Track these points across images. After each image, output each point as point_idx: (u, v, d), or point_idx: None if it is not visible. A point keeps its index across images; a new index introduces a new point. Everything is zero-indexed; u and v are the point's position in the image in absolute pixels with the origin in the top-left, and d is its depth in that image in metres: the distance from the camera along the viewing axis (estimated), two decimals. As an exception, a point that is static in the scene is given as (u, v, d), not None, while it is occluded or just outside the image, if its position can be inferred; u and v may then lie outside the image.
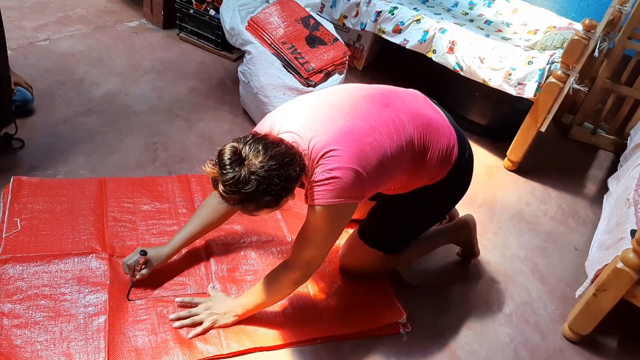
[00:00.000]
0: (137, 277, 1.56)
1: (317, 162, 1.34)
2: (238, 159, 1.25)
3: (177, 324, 1.51)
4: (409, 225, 1.73)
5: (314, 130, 1.36)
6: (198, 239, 1.71)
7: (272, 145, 1.29)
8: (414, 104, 1.54)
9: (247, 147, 1.27)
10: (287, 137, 1.36)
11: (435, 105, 1.62)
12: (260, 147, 1.27)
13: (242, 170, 1.24)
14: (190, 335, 1.49)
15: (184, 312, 1.54)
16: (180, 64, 2.84)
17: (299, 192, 1.37)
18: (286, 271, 1.49)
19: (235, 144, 1.27)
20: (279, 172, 1.26)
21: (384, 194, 1.67)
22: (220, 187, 1.26)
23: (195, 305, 1.56)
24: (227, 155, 1.25)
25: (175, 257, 1.68)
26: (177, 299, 1.57)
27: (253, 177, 1.24)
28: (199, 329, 1.51)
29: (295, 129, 1.37)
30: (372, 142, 1.38)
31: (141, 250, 1.55)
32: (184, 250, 1.72)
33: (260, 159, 1.25)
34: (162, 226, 1.82)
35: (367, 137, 1.38)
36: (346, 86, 1.57)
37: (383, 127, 1.41)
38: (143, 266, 1.57)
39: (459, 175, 1.63)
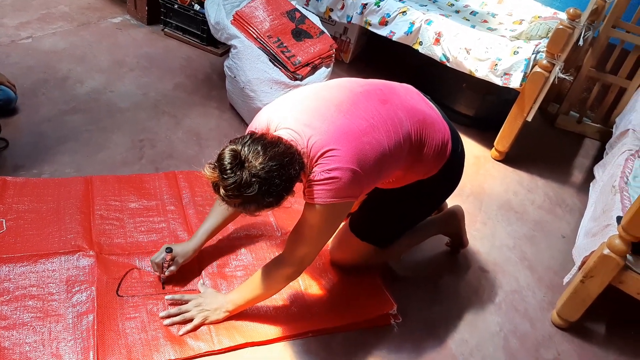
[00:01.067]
0: (166, 273, 1.59)
1: (316, 161, 1.33)
2: (238, 162, 1.23)
3: (167, 321, 1.51)
4: (401, 219, 1.74)
5: (312, 127, 1.35)
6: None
7: (271, 145, 1.27)
8: (410, 100, 1.54)
9: (246, 149, 1.25)
10: (285, 135, 1.34)
11: (429, 101, 1.63)
12: (259, 148, 1.25)
13: (244, 173, 1.22)
14: (181, 333, 1.49)
15: (174, 310, 1.53)
16: (165, 59, 2.82)
17: (297, 188, 1.37)
18: (279, 267, 1.49)
19: (235, 147, 1.25)
20: (279, 173, 1.25)
21: (377, 187, 1.67)
22: (222, 192, 1.24)
23: (186, 302, 1.56)
24: (227, 159, 1.23)
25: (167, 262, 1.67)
26: (167, 297, 1.57)
27: (254, 179, 1.23)
28: (189, 326, 1.50)
29: (293, 125, 1.36)
30: (372, 141, 1.38)
31: (167, 248, 1.57)
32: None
33: (260, 160, 1.24)
34: (150, 223, 1.81)
35: (367, 136, 1.37)
36: (343, 80, 1.56)
37: (382, 124, 1.41)
38: (170, 262, 1.58)
39: (452, 169, 1.64)
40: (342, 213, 1.44)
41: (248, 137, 1.29)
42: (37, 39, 2.70)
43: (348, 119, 1.38)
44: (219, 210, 1.66)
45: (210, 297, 1.57)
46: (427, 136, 1.51)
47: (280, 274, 1.49)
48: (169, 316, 1.52)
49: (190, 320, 1.52)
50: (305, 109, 1.40)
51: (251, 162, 1.24)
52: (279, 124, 1.38)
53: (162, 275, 1.60)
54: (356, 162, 1.34)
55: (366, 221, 1.74)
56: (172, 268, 1.59)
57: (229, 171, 1.22)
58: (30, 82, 2.36)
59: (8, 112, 2.12)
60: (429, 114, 1.55)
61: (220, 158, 1.24)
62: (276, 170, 1.24)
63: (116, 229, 1.75)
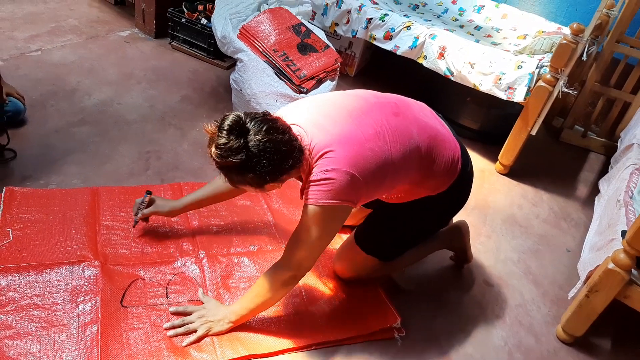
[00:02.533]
0: (139, 215, 1.73)
1: (316, 162, 1.37)
2: (238, 128, 1.27)
3: (171, 332, 1.51)
4: (406, 234, 1.74)
5: (319, 128, 1.39)
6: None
7: (277, 130, 1.31)
8: (423, 117, 1.56)
9: (252, 123, 1.30)
10: (294, 129, 1.38)
11: (441, 119, 1.65)
12: (264, 127, 1.29)
13: (237, 141, 1.27)
14: (184, 344, 1.49)
15: (177, 321, 1.53)
16: (172, 72, 2.85)
17: (293, 186, 1.38)
18: (277, 272, 1.49)
19: (242, 115, 1.30)
20: (271, 157, 1.29)
21: (384, 202, 1.68)
22: (213, 149, 1.29)
23: (189, 313, 1.56)
24: (228, 121, 1.28)
25: (172, 273, 1.68)
26: (170, 309, 1.57)
27: (244, 150, 1.27)
28: (193, 337, 1.50)
29: (303, 123, 1.41)
30: (374, 148, 1.39)
31: (148, 191, 1.76)
32: (178, 263, 1.72)
33: (259, 137, 1.28)
34: (155, 234, 1.82)
35: (370, 142, 1.39)
36: (361, 91, 1.59)
37: (389, 134, 1.43)
38: (145, 205, 1.74)
39: (461, 187, 1.66)
40: (338, 218, 1.44)
41: (261, 114, 1.34)
42: (46, 52, 2.74)
43: (355, 125, 1.41)
44: (211, 185, 1.74)
45: (213, 308, 1.57)
46: (437, 152, 1.52)
47: (279, 280, 1.48)
48: (172, 327, 1.52)
49: (194, 331, 1.52)
50: (318, 111, 1.45)
51: (250, 134, 1.28)
52: (291, 119, 1.42)
53: (135, 217, 1.75)
54: (354, 166, 1.35)
55: (372, 234, 1.74)
56: (145, 210, 1.73)
57: (225, 131, 1.27)
58: (39, 94, 2.39)
59: (17, 123, 2.15)
60: (441, 131, 1.57)
61: (224, 118, 1.29)
62: (269, 153, 1.28)
63: (121, 240, 1.76)
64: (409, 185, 1.55)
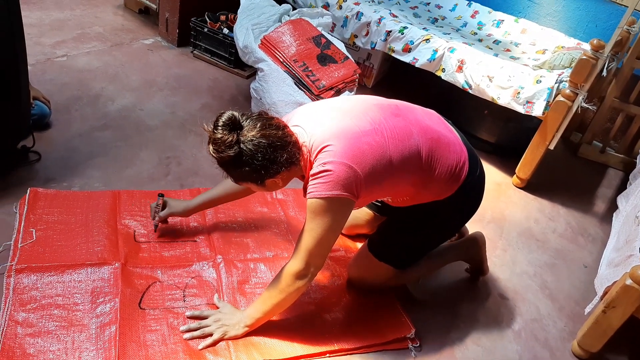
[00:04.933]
0: (157, 218, 1.79)
1: (316, 157, 1.41)
2: (232, 125, 1.35)
3: (187, 335, 1.53)
4: (419, 241, 1.74)
5: (318, 125, 1.45)
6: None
7: (271, 127, 1.38)
8: (426, 120, 1.57)
9: (247, 121, 1.38)
10: (294, 129, 1.46)
11: (450, 125, 1.66)
12: (258, 124, 1.37)
13: (231, 136, 1.34)
14: (200, 347, 1.51)
15: (194, 324, 1.55)
16: (193, 80, 2.90)
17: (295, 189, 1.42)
18: (287, 272, 1.48)
19: (236, 113, 1.37)
20: (265, 151, 1.36)
21: (393, 206, 1.69)
22: (210, 145, 1.37)
23: (205, 317, 1.58)
24: (223, 118, 1.36)
25: (189, 277, 1.71)
26: (187, 313, 1.58)
27: (237, 145, 1.35)
28: (209, 341, 1.52)
29: (303, 123, 1.47)
30: (371, 142, 1.42)
31: (159, 193, 1.83)
32: (195, 266, 1.75)
33: (252, 133, 1.36)
34: (174, 238, 1.85)
35: (367, 136, 1.42)
36: (363, 96, 1.64)
37: (388, 131, 1.46)
38: (159, 208, 1.79)
39: (470, 193, 1.65)
40: (339, 211, 1.43)
41: (257, 113, 1.41)
42: (72, 58, 2.81)
43: (352, 120, 1.45)
44: (223, 184, 1.78)
45: (229, 313, 1.59)
46: (440, 155, 1.53)
47: (290, 279, 1.47)
48: (188, 330, 1.54)
49: (210, 335, 1.54)
50: (319, 112, 1.51)
51: (244, 131, 1.36)
52: (293, 121, 1.49)
53: (153, 221, 1.81)
54: (351, 158, 1.39)
55: (384, 241, 1.75)
56: (161, 213, 1.78)
57: (220, 128, 1.35)
58: (64, 98, 2.45)
59: (42, 127, 2.20)
60: (445, 134, 1.57)
61: (220, 115, 1.37)
62: (262, 147, 1.36)
63: (141, 243, 1.79)
64: (413, 188, 1.55)
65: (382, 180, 1.46)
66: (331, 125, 1.44)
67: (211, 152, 1.38)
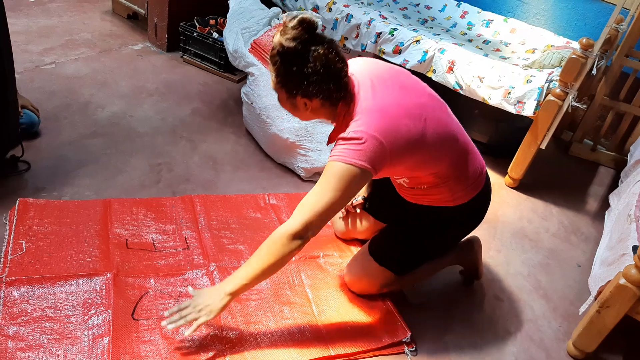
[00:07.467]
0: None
1: (354, 118, 1.42)
2: (307, 26, 1.34)
3: (170, 326, 1.43)
4: (420, 247, 1.75)
5: (371, 89, 1.46)
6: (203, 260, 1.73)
7: (339, 59, 1.40)
8: (461, 129, 1.64)
9: (324, 38, 1.39)
10: (351, 77, 1.48)
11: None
12: (331, 48, 1.38)
13: (306, 34, 1.34)
14: (187, 333, 1.44)
15: (175, 316, 1.45)
16: (183, 85, 2.88)
17: None
18: (283, 229, 1.43)
19: (319, 23, 1.38)
20: (319, 67, 1.37)
21: (399, 215, 1.72)
22: (279, 34, 1.37)
23: (184, 308, 1.47)
24: (305, 15, 1.35)
25: (182, 285, 1.69)
26: (163, 322, 1.46)
27: (303, 43, 1.35)
28: (194, 325, 1.43)
29: (360, 78, 1.48)
30: (410, 125, 1.43)
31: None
32: (188, 274, 1.73)
33: (321, 48, 1.36)
34: (166, 247, 1.83)
35: (407, 119, 1.44)
36: (418, 80, 1.63)
37: (431, 122, 1.48)
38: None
39: (480, 203, 1.70)
40: (355, 182, 1.41)
41: (331, 39, 1.42)
42: (60, 65, 2.78)
43: (404, 99, 1.47)
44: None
45: (204, 294, 1.48)
46: (470, 159, 1.61)
47: (285, 235, 1.41)
48: (170, 323, 1.44)
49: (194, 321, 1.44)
50: (379, 76, 1.51)
51: (317, 40, 1.37)
52: (353, 67, 1.51)
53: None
54: (385, 136, 1.39)
55: (385, 246, 1.75)
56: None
57: (297, 21, 1.34)
58: (53, 106, 2.43)
59: (31, 135, 2.18)
60: (472, 145, 1.67)
61: (305, 17, 1.35)
62: (321, 62, 1.36)
63: (133, 252, 1.78)
64: (434, 178, 1.57)
65: (408, 160, 1.49)
66: (381, 96, 1.45)
67: (277, 40, 1.36)
